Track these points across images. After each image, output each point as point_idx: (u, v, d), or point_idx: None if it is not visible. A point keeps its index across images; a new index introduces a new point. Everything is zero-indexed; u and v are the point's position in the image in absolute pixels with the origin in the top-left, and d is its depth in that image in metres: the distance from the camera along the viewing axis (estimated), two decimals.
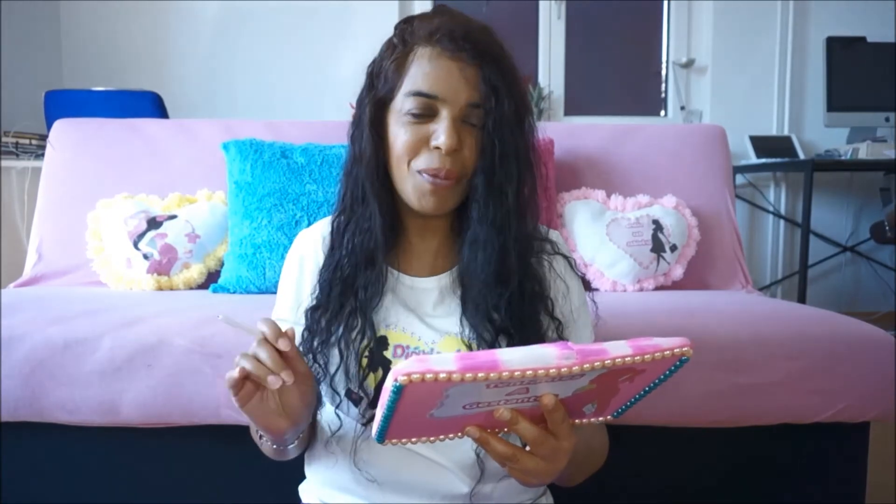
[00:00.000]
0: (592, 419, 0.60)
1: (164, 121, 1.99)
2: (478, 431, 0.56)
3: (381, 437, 0.55)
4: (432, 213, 0.76)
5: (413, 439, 0.58)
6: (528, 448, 0.58)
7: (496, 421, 0.55)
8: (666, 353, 0.51)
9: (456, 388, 0.49)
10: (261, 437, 0.76)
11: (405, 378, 0.47)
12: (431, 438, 0.58)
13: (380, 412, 0.52)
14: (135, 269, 1.59)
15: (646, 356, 0.50)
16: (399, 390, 0.48)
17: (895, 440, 1.78)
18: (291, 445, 0.76)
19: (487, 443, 0.57)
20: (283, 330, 0.63)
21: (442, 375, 0.47)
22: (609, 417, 0.61)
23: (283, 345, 0.62)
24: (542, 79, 3.21)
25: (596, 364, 0.49)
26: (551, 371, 0.49)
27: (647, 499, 1.24)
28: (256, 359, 0.62)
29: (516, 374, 0.48)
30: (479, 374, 0.47)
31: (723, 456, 1.25)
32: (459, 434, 0.57)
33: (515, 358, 0.49)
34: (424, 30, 0.73)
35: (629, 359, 0.50)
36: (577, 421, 0.59)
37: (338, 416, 0.78)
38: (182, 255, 1.61)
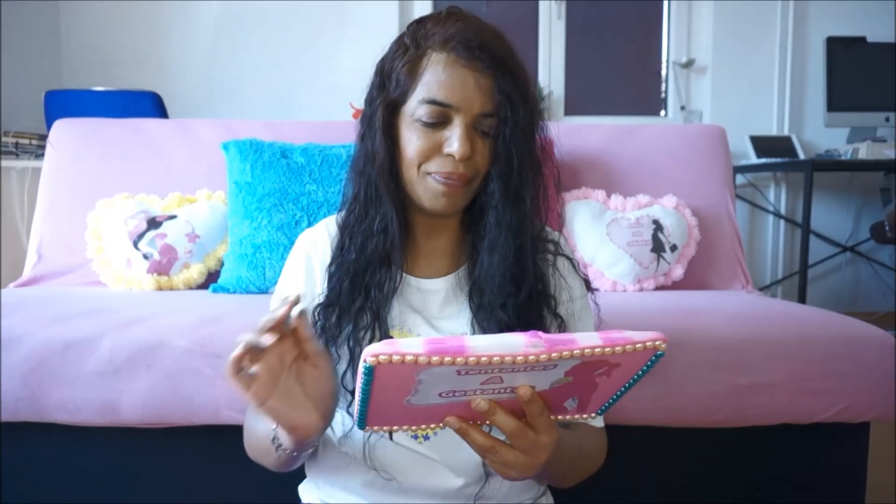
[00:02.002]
0: (575, 416, 0.61)
1: (164, 121, 1.99)
2: (458, 422, 0.57)
3: (362, 422, 0.56)
4: (443, 213, 0.76)
5: (395, 427, 0.58)
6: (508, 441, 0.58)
7: (476, 413, 0.55)
8: (637, 346, 0.51)
9: (427, 372, 0.50)
10: (276, 445, 0.68)
11: (373, 359, 0.48)
12: (413, 427, 0.58)
13: (357, 397, 0.53)
14: (135, 269, 1.59)
15: (616, 348, 0.50)
16: (370, 371, 0.49)
17: (895, 440, 1.78)
18: (311, 450, 0.70)
19: (467, 433, 0.57)
20: (292, 306, 0.58)
21: (409, 358, 0.48)
22: (593, 415, 0.61)
23: (295, 314, 0.57)
24: (542, 79, 3.21)
25: (564, 353, 0.49)
26: (518, 358, 0.49)
27: (647, 499, 1.24)
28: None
29: (483, 359, 0.49)
30: (446, 358, 0.48)
31: (723, 456, 1.25)
32: (441, 425, 0.57)
33: (483, 344, 0.49)
34: (439, 35, 0.73)
35: (598, 350, 0.50)
36: (559, 417, 0.60)
37: (350, 414, 0.78)
38: (182, 255, 1.61)
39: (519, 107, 0.72)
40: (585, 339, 0.50)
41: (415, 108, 0.73)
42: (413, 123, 0.73)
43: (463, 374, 0.50)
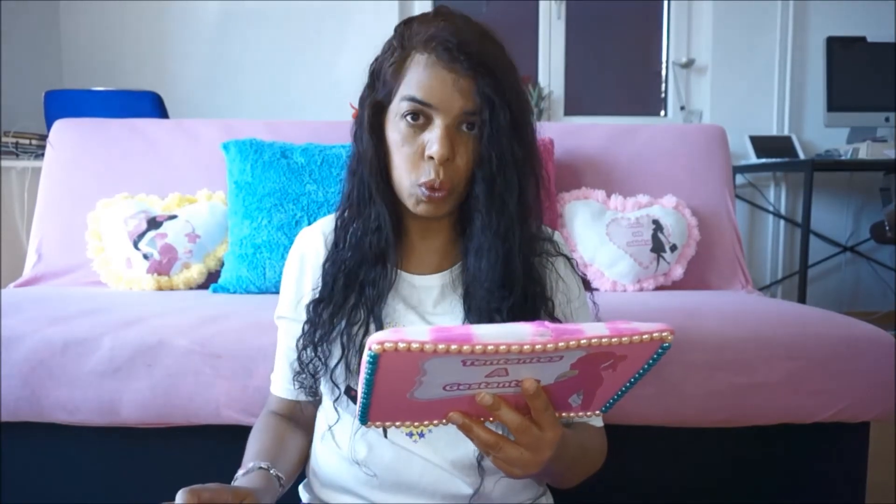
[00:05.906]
0: (580, 413, 0.60)
1: (164, 121, 1.99)
2: (461, 418, 0.56)
3: (364, 417, 0.55)
4: (428, 218, 0.77)
5: (396, 423, 0.57)
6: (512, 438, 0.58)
7: (479, 408, 0.55)
8: (644, 336, 0.49)
9: (432, 362, 0.49)
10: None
11: (378, 347, 0.46)
12: (416, 423, 0.57)
13: (360, 389, 0.52)
14: (135, 269, 1.59)
15: (623, 338, 0.49)
16: (374, 360, 0.48)
17: (895, 440, 1.78)
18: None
19: (470, 430, 0.57)
20: None
21: (415, 345, 0.46)
22: (597, 412, 0.60)
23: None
24: (542, 79, 3.21)
25: (571, 343, 0.48)
26: (525, 347, 0.48)
27: (647, 499, 1.24)
28: None
29: (489, 348, 0.47)
30: (453, 346, 0.47)
31: (723, 456, 1.25)
32: (443, 421, 0.57)
33: (490, 333, 0.48)
34: (422, 35, 0.73)
35: (605, 340, 0.49)
36: (563, 414, 0.59)
37: (336, 410, 0.79)
38: (182, 255, 1.61)
39: (499, 109, 0.71)
40: (592, 329, 0.49)
41: (398, 105, 0.73)
42: (398, 124, 0.73)
43: (468, 364, 0.49)
